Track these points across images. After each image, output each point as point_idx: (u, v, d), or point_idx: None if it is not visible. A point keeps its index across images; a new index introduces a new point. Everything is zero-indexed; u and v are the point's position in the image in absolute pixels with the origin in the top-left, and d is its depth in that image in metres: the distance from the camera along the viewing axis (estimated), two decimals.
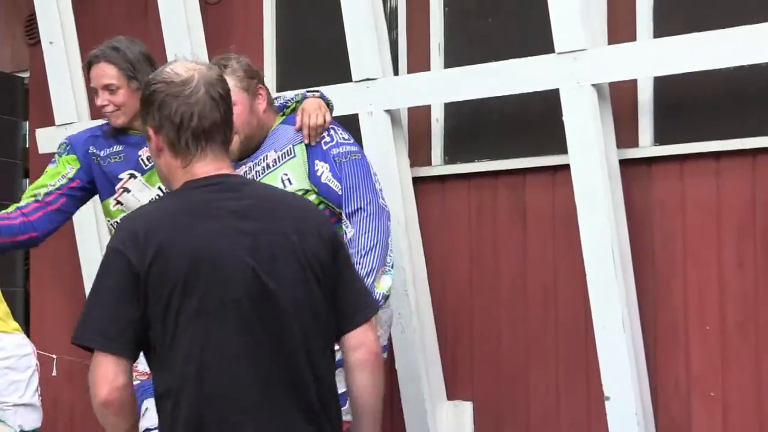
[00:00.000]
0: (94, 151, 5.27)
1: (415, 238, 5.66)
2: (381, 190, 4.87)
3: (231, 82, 4.68)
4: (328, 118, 4.85)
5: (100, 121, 5.44)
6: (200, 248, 3.32)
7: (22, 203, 5.16)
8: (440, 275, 5.69)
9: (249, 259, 3.31)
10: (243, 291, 3.32)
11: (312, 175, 4.80)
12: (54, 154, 5.26)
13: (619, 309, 4.98)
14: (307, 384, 3.38)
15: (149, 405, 5.24)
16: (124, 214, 5.20)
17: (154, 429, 5.20)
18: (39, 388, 5.11)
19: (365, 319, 3.48)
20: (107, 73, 5.10)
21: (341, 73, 5.67)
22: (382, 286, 4.69)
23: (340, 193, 4.76)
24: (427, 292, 5.67)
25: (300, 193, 4.75)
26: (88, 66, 5.16)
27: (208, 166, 3.40)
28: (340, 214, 4.81)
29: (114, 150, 5.27)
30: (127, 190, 5.24)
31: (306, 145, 4.83)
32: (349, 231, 4.74)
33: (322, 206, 4.79)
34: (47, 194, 5.18)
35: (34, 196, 5.17)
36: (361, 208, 4.74)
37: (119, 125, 5.17)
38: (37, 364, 5.25)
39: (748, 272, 4.87)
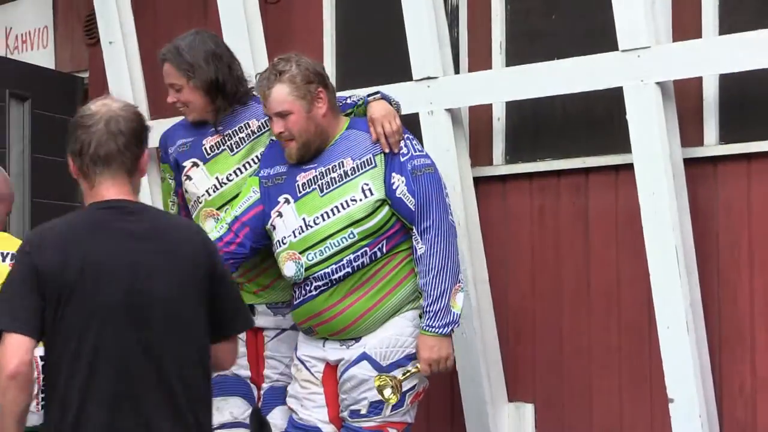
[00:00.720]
0: (173, 143, 5.57)
1: (476, 239, 5.67)
2: (450, 204, 4.93)
3: (285, 90, 4.82)
4: (398, 122, 4.88)
5: (177, 118, 5.71)
6: (91, 260, 3.85)
7: None
8: (501, 276, 5.71)
9: (130, 273, 3.84)
10: (119, 300, 3.83)
11: (388, 188, 4.84)
12: None
13: (683, 310, 4.96)
14: (172, 385, 3.85)
15: (219, 405, 5.29)
16: (190, 205, 5.45)
17: (216, 428, 5.28)
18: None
19: (234, 332, 4.10)
20: (170, 73, 5.30)
21: (402, 71, 5.69)
22: (457, 305, 4.77)
23: (412, 208, 4.80)
24: (488, 293, 5.68)
25: (378, 203, 4.83)
26: (161, 62, 5.38)
27: (109, 190, 3.92)
28: (410, 228, 4.85)
29: (185, 140, 5.47)
30: (189, 178, 5.39)
31: (384, 155, 4.88)
32: (419, 248, 4.80)
33: (394, 219, 4.86)
34: (179, 212, 5.55)
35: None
36: (432, 225, 4.79)
37: (191, 120, 5.38)
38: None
39: None
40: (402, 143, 4.85)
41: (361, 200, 4.81)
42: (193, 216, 5.44)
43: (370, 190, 4.81)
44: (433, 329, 4.73)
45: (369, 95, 5.00)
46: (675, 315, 4.97)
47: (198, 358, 3.96)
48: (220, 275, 4.04)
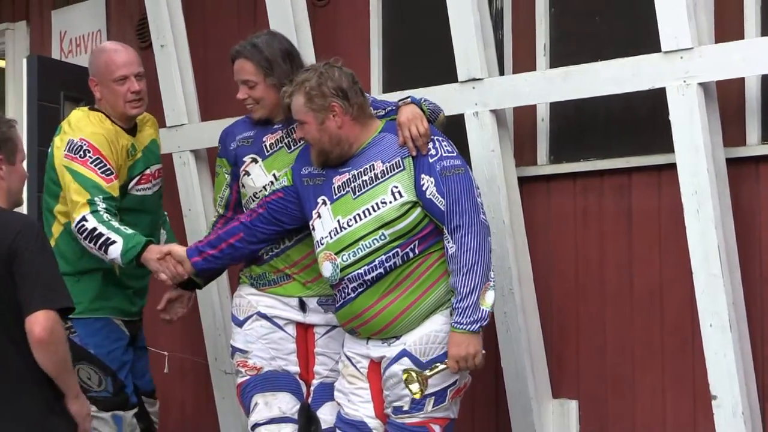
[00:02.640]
0: (233, 138, 5.56)
1: (521, 239, 5.68)
2: (482, 204, 4.92)
3: (300, 101, 4.93)
4: (425, 124, 4.89)
5: (226, 120, 5.78)
6: None
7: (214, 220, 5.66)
8: (546, 275, 5.71)
9: None
10: None
11: (418, 189, 4.85)
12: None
13: (725, 309, 4.96)
14: None
15: (258, 400, 5.32)
16: (245, 200, 5.46)
17: (264, 423, 5.29)
18: None
19: (33, 310, 4.25)
20: (245, 69, 5.30)
21: (447, 73, 5.70)
22: (487, 302, 4.77)
23: (442, 209, 4.81)
24: (533, 291, 5.69)
25: (408, 205, 4.85)
26: (231, 60, 5.37)
27: None
28: (442, 228, 4.86)
29: (247, 134, 5.48)
30: (247, 173, 5.41)
31: (413, 157, 4.89)
32: (450, 247, 4.81)
33: (426, 220, 4.87)
34: (227, 205, 5.59)
35: (217, 212, 5.64)
36: (462, 224, 4.79)
37: (258, 118, 5.38)
38: None
39: None
40: (430, 145, 4.87)
41: (390, 202, 4.85)
42: (251, 209, 5.44)
43: (399, 192, 4.84)
44: (462, 326, 4.74)
45: (400, 100, 5.03)
46: (717, 313, 4.97)
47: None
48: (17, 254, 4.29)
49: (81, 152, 5.50)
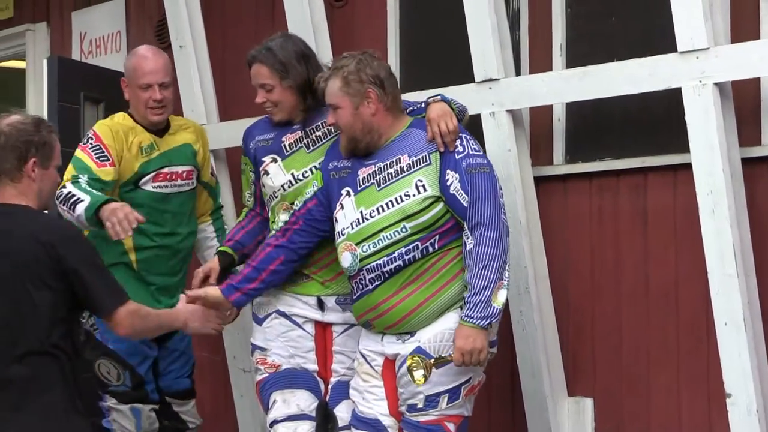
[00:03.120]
0: (253, 138, 5.62)
1: (537, 238, 5.69)
2: (504, 204, 4.93)
3: (337, 84, 4.96)
4: (454, 122, 4.92)
5: (250, 120, 5.81)
6: None
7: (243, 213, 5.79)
8: (562, 274, 5.73)
9: None
10: None
11: (442, 184, 4.88)
12: None
13: (740, 307, 4.96)
14: (5, 377, 4.41)
15: (277, 398, 5.34)
16: (266, 198, 5.54)
17: (282, 420, 5.31)
18: None
19: (113, 308, 4.51)
20: (261, 73, 5.35)
21: (464, 73, 5.72)
22: (499, 300, 4.78)
23: (465, 205, 4.83)
24: (549, 290, 5.70)
25: (431, 199, 4.87)
26: (248, 65, 5.41)
27: None
28: (463, 224, 4.88)
29: (265, 136, 5.54)
30: (266, 173, 5.46)
31: (440, 153, 4.91)
32: (469, 243, 4.83)
33: (448, 216, 4.89)
34: (255, 200, 5.71)
35: (246, 206, 5.77)
36: (482, 222, 4.81)
37: (277, 120, 5.43)
38: None
39: None
40: (458, 142, 4.90)
41: (414, 195, 4.88)
42: (270, 210, 5.53)
43: (423, 186, 4.87)
44: (471, 320, 4.75)
45: (429, 97, 5.06)
46: (732, 312, 4.97)
47: None
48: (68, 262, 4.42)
49: (85, 140, 5.74)
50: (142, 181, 5.76)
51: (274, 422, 5.41)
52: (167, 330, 5.17)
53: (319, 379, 5.43)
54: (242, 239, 5.63)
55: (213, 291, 5.23)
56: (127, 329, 4.62)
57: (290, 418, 5.35)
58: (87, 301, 4.52)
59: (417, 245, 4.88)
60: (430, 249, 4.90)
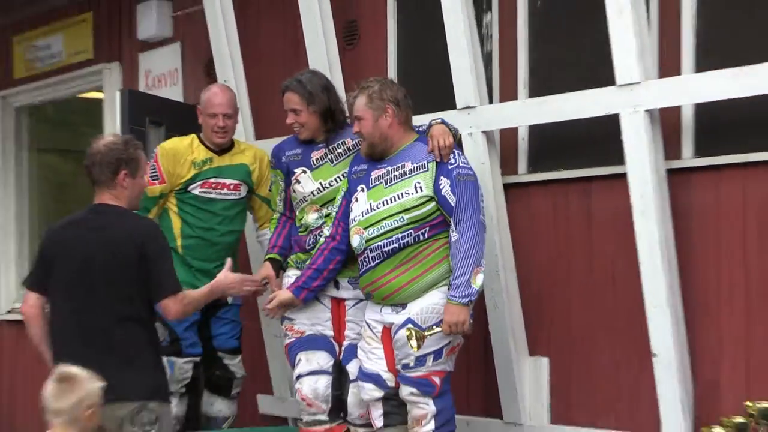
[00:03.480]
0: (284, 153, 5.64)
1: (505, 234, 5.69)
2: (483, 208, 4.99)
3: (363, 101, 5.08)
4: (450, 140, 5.00)
5: (279, 139, 5.82)
6: (62, 245, 4.76)
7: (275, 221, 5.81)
8: (526, 262, 5.71)
9: (82, 253, 4.66)
10: (75, 272, 4.67)
11: (436, 187, 4.94)
12: None
13: (664, 289, 4.99)
14: (109, 337, 4.61)
15: (301, 357, 5.37)
16: (296, 201, 5.59)
17: (306, 374, 5.35)
18: None
19: (164, 296, 4.69)
20: (292, 99, 5.42)
21: (448, 101, 5.72)
22: (477, 282, 4.86)
23: (453, 205, 4.90)
24: (515, 275, 5.69)
25: (425, 198, 4.94)
26: (282, 93, 5.47)
27: (96, 198, 4.79)
28: (450, 221, 4.93)
29: (294, 151, 5.56)
30: (298, 182, 5.51)
31: (437, 163, 4.96)
32: (454, 235, 4.90)
33: (438, 213, 4.93)
34: (284, 205, 5.71)
35: (277, 211, 5.78)
36: (465, 219, 4.88)
37: (303, 138, 5.49)
38: None
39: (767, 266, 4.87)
40: (452, 156, 4.97)
41: (412, 194, 4.95)
42: (299, 210, 5.58)
43: (420, 187, 4.94)
44: (455, 298, 4.83)
45: (432, 120, 5.15)
46: (658, 292, 5.01)
47: (122, 318, 4.67)
48: (147, 253, 4.67)
49: (151, 160, 5.80)
50: (191, 186, 5.89)
51: (299, 376, 5.45)
52: (210, 301, 5.18)
53: (334, 342, 5.47)
54: (283, 244, 5.68)
55: (284, 294, 5.34)
56: (172, 315, 4.81)
57: (312, 373, 5.39)
58: (149, 284, 4.66)
59: (411, 233, 4.94)
60: (421, 237, 4.95)
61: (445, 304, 4.89)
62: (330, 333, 5.47)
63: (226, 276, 5.00)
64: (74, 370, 4.11)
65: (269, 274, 5.58)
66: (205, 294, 4.95)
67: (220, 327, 6.13)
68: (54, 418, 4.05)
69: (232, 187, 6.00)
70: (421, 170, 4.99)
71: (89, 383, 4.08)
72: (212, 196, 5.96)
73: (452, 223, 4.90)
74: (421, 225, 4.95)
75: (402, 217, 4.96)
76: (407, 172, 5.03)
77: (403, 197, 4.98)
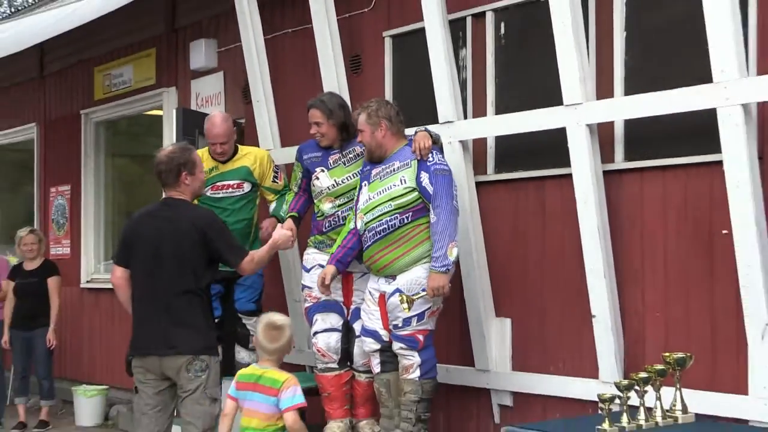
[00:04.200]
0: (306, 154, 5.68)
1: (477, 220, 5.67)
2: (457, 195, 4.98)
3: (363, 118, 5.15)
4: (429, 142, 5.01)
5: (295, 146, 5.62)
6: (141, 230, 4.82)
7: (292, 194, 5.85)
8: (493, 243, 5.69)
9: (154, 238, 4.74)
10: (149, 252, 4.72)
11: (417, 180, 4.96)
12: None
13: (600, 263, 4.99)
14: (172, 305, 4.65)
15: (317, 318, 5.38)
16: (315, 193, 5.64)
17: (321, 331, 5.34)
18: None
19: (239, 261, 4.78)
20: (316, 114, 5.50)
21: (432, 117, 5.69)
22: (453, 254, 4.88)
23: (431, 193, 4.90)
24: (484, 253, 5.67)
25: (409, 189, 4.96)
26: (307, 109, 5.53)
27: (165, 194, 4.91)
28: (429, 207, 4.93)
29: (315, 154, 5.61)
30: (317, 178, 5.57)
31: (418, 161, 4.98)
32: (432, 217, 4.92)
33: (419, 201, 4.91)
34: (299, 188, 5.74)
35: (293, 191, 5.82)
36: (441, 205, 4.89)
37: (323, 145, 5.55)
38: None
39: (682, 240, 4.85)
40: (430, 155, 4.98)
41: (398, 185, 5.03)
42: (317, 200, 5.62)
43: (404, 180, 4.99)
44: (436, 268, 4.84)
45: (417, 129, 5.15)
46: (595, 265, 5.00)
47: (185, 290, 4.69)
48: (208, 236, 4.71)
49: None
50: (205, 189, 5.87)
51: (316, 333, 5.48)
52: (271, 251, 5.16)
53: (343, 306, 5.49)
54: (300, 208, 5.78)
55: (331, 269, 5.28)
56: (248, 272, 5.00)
57: (326, 330, 5.43)
58: (222, 259, 4.81)
59: (397, 216, 4.98)
60: (405, 220, 4.98)
61: (429, 273, 4.89)
62: (340, 299, 5.50)
63: (280, 235, 5.04)
64: (281, 320, 4.35)
65: (292, 226, 5.59)
66: (266, 251, 5.02)
67: (241, 293, 6.18)
68: (267, 355, 4.29)
69: (235, 186, 6.14)
70: (406, 167, 5.02)
71: (289, 330, 4.35)
72: (220, 195, 6.11)
73: (431, 208, 4.91)
74: (405, 210, 4.98)
75: (390, 204, 5.00)
76: (395, 169, 5.06)
77: (391, 188, 5.02)
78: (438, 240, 4.84)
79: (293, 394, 4.13)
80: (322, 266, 5.45)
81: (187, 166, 4.82)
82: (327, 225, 5.53)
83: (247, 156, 6.20)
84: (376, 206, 5.05)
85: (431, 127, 5.38)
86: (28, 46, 8.97)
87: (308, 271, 5.61)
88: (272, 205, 6.22)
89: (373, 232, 5.04)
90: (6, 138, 11.25)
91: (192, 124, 6.91)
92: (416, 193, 4.96)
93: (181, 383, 4.66)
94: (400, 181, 5.01)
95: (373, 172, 5.18)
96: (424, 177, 4.94)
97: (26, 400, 8.62)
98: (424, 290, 4.90)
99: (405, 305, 4.92)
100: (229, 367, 6.19)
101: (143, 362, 4.72)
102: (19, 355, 8.49)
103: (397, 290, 4.96)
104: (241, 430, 4.18)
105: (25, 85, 10.71)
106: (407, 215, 4.98)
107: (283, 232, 5.04)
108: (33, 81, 10.57)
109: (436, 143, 5.15)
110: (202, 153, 6.11)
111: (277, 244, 5.01)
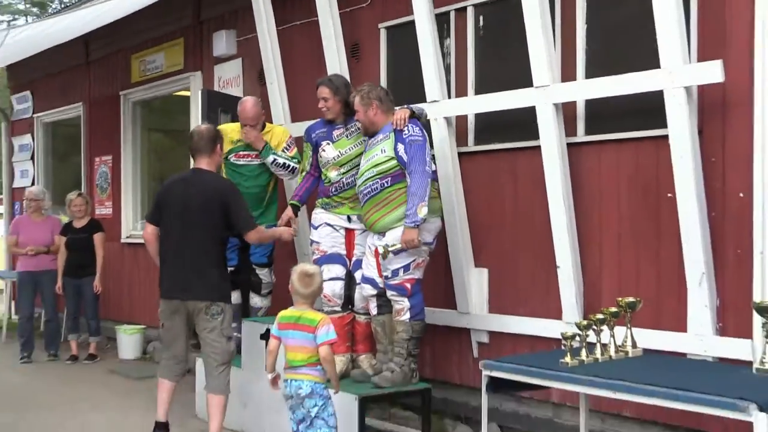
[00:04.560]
0: (314, 131, 5.61)
1: (459, 186, 5.66)
2: (431, 161, 4.93)
3: (358, 99, 5.11)
4: (406, 115, 4.99)
5: (308, 123, 5.56)
6: (172, 193, 4.92)
7: (301, 177, 5.77)
8: (473, 204, 5.68)
9: (183, 200, 4.86)
10: (178, 212, 4.85)
11: (395, 150, 4.94)
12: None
13: (564, 222, 4.99)
14: (194, 258, 4.80)
15: (324, 268, 5.41)
16: (322, 163, 5.55)
17: (327, 280, 5.37)
18: None
19: (247, 229, 4.95)
20: (324, 91, 5.47)
21: (421, 97, 5.66)
22: (422, 212, 4.82)
23: (406, 160, 4.89)
24: (465, 212, 5.67)
25: (388, 158, 4.96)
26: (317, 87, 5.49)
27: (195, 164, 5.02)
28: (404, 171, 4.90)
29: (321, 130, 5.55)
30: (324, 150, 5.51)
31: (396, 133, 4.95)
32: (408, 180, 4.88)
33: (397, 167, 4.94)
34: (311, 166, 5.66)
35: (305, 170, 5.72)
36: (415, 170, 4.86)
37: (329, 118, 5.50)
38: None
39: (633, 202, 4.85)
40: (407, 127, 4.95)
41: (379, 155, 5.02)
42: (324, 169, 5.55)
43: (384, 150, 4.99)
44: (407, 224, 4.82)
45: (400, 108, 5.12)
46: (560, 224, 5.00)
47: (208, 249, 4.85)
48: (228, 203, 4.84)
49: None
50: (229, 156, 5.99)
51: (322, 281, 5.46)
52: (273, 237, 5.55)
53: (346, 258, 5.48)
54: (302, 196, 5.71)
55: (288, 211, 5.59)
56: (252, 241, 5.17)
57: (331, 279, 5.41)
58: (233, 224, 4.92)
59: (378, 181, 4.98)
60: (386, 185, 4.97)
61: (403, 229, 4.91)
62: (344, 252, 5.49)
63: (284, 231, 5.45)
64: (312, 269, 4.40)
65: (290, 215, 5.63)
66: (269, 236, 5.41)
67: (255, 248, 6.18)
68: (301, 299, 4.30)
69: (254, 156, 6.10)
70: (386, 139, 5.01)
71: (319, 277, 4.37)
72: (241, 162, 6.10)
73: (407, 173, 4.88)
74: (385, 176, 4.97)
75: (373, 171, 5.01)
76: (378, 141, 5.06)
77: (374, 157, 5.04)
78: (410, 200, 4.82)
79: (327, 332, 4.21)
80: (328, 224, 5.45)
81: (220, 141, 5.15)
82: (333, 190, 5.53)
83: (269, 133, 6.19)
84: (365, 171, 5.06)
85: (421, 105, 5.35)
86: (75, 37, 9.02)
87: (316, 228, 5.60)
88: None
89: (362, 194, 5.07)
90: (57, 115, 11.22)
91: (215, 103, 6.86)
92: (395, 161, 4.95)
93: (200, 324, 4.92)
94: (381, 150, 5.01)
95: (368, 143, 5.21)
96: (400, 147, 4.94)
97: (77, 336, 8.76)
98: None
99: (381, 253, 4.98)
100: (245, 310, 6.22)
101: (168, 304, 4.94)
102: (70, 299, 8.60)
103: (387, 245, 4.97)
104: (288, 362, 4.25)
105: (73, 71, 10.65)
106: (387, 180, 4.97)
107: (289, 230, 5.46)
108: (79, 67, 10.51)
109: (420, 118, 5.11)
110: (234, 126, 6.11)
111: (280, 237, 5.45)
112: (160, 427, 5.07)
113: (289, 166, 6.01)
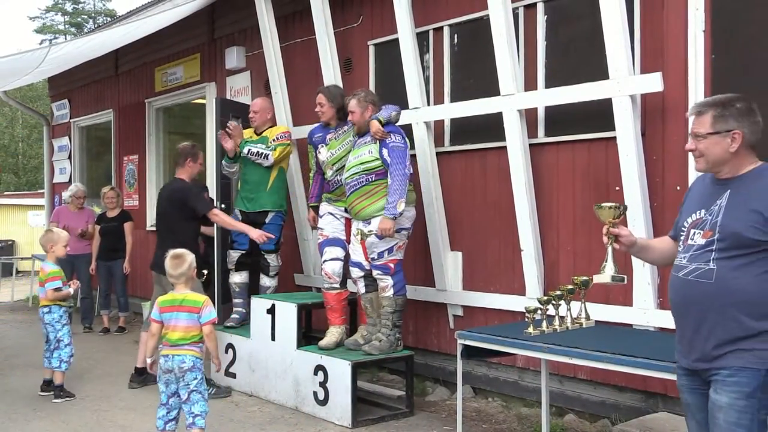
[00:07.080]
0: (313, 135, 5.60)
1: (436, 180, 5.62)
2: (410, 164, 4.88)
3: (354, 102, 5.06)
4: (377, 127, 4.89)
5: (309, 127, 5.51)
6: (159, 196, 5.47)
7: (312, 174, 5.76)
8: (448, 196, 5.65)
9: (159, 200, 5.47)
10: (158, 210, 5.49)
11: (380, 153, 4.88)
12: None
13: (527, 211, 4.97)
14: (167, 242, 5.00)
15: (326, 249, 5.34)
16: (322, 163, 5.53)
17: (328, 260, 5.30)
18: None
19: (206, 212, 5.36)
20: (321, 98, 5.46)
21: (405, 103, 5.61)
22: (399, 207, 4.79)
23: (389, 162, 4.84)
24: (442, 202, 5.64)
25: (373, 158, 4.88)
26: (316, 93, 5.46)
27: (176, 174, 5.44)
28: (387, 170, 4.86)
29: (318, 134, 5.53)
30: (320, 152, 5.48)
31: (381, 140, 4.91)
32: (389, 180, 4.84)
33: (381, 167, 4.87)
34: (316, 166, 5.64)
35: (312, 169, 5.71)
36: (395, 171, 4.82)
37: (323, 121, 5.47)
38: None
39: (586, 194, 4.84)
40: (390, 136, 4.90)
41: (366, 155, 4.95)
42: (323, 167, 5.53)
43: (371, 152, 4.92)
44: (386, 214, 4.79)
45: (375, 116, 5.04)
46: (524, 212, 4.98)
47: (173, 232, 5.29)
48: (184, 198, 5.29)
49: None
50: (242, 150, 5.89)
51: (325, 261, 5.43)
52: (238, 230, 5.66)
53: (345, 242, 5.45)
54: (317, 196, 5.72)
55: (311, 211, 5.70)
56: (217, 222, 5.51)
57: (332, 259, 5.38)
58: (194, 209, 5.37)
59: (363, 176, 4.93)
60: (370, 180, 4.93)
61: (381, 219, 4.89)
62: (343, 237, 5.45)
63: (255, 232, 5.53)
64: (180, 251, 4.12)
65: (311, 215, 5.76)
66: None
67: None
68: (176, 281, 4.02)
69: (258, 151, 5.99)
70: (372, 142, 4.96)
71: (189, 256, 4.08)
72: (250, 157, 5.99)
73: (389, 173, 4.85)
74: (370, 172, 4.92)
75: (360, 167, 4.96)
76: (367, 142, 5.00)
77: (362, 155, 4.98)
78: (391, 195, 4.79)
79: (210, 312, 3.96)
80: (330, 213, 5.44)
81: (193, 156, 5.54)
82: (331, 186, 5.51)
83: (271, 130, 6.15)
84: (352, 167, 5.02)
85: (403, 113, 5.33)
86: (106, 52, 8.97)
87: (321, 217, 5.57)
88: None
89: (349, 186, 5.02)
90: (91, 120, 11.14)
91: (227, 109, 6.79)
92: (380, 162, 4.92)
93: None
94: (369, 152, 4.97)
95: (357, 142, 5.16)
96: (385, 152, 4.90)
97: (108, 311, 8.77)
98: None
99: (358, 237, 4.96)
100: (255, 289, 6.15)
101: (155, 276, 5.55)
102: (103, 278, 8.60)
103: (361, 228, 4.96)
104: (168, 340, 3.86)
105: (105, 81, 10.58)
106: (371, 176, 4.93)
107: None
108: (110, 78, 10.45)
109: (393, 121, 5.06)
110: (247, 131, 6.09)
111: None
112: (140, 372, 5.76)
113: (262, 153, 5.92)
